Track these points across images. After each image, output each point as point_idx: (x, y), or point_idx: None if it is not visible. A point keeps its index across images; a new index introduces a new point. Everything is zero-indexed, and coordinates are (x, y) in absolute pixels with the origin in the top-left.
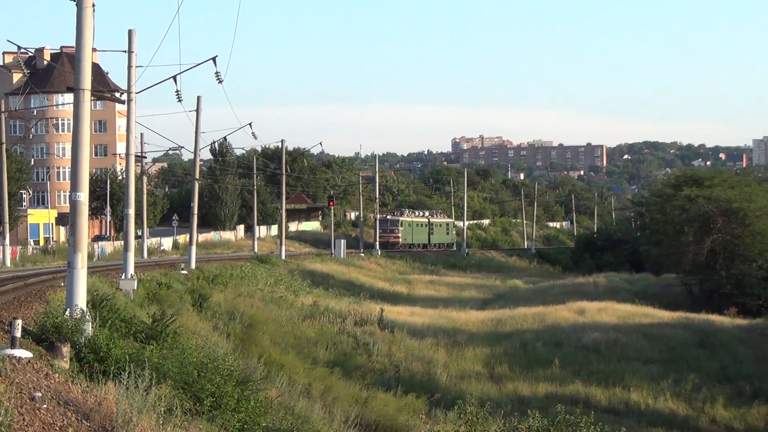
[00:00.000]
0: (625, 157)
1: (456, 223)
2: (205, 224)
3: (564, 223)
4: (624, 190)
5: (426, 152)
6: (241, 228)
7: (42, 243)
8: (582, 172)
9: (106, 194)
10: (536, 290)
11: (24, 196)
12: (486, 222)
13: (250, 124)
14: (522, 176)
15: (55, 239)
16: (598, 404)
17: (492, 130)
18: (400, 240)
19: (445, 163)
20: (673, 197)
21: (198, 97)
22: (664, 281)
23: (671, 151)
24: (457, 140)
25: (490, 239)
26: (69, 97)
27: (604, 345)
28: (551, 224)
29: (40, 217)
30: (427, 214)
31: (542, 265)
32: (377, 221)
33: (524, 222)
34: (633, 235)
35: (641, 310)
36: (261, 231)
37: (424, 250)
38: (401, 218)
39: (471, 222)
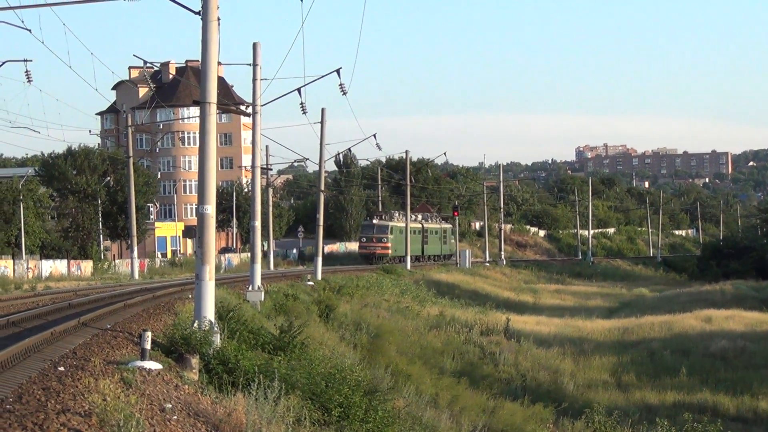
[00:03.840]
0: (751, 164)
1: (447, 227)
2: (331, 235)
3: (689, 231)
4: (750, 197)
5: (550, 161)
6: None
7: (169, 255)
8: (707, 180)
9: (233, 206)
10: (662, 298)
11: (151, 209)
12: (611, 230)
13: (374, 135)
14: (647, 184)
15: (182, 252)
16: (726, 412)
17: (616, 138)
18: (390, 251)
19: (569, 171)
20: None
21: (322, 109)
22: None
23: None
24: (581, 149)
25: (616, 248)
26: (195, 111)
27: (731, 353)
28: (677, 232)
29: (167, 229)
30: (420, 217)
31: (668, 273)
32: (362, 226)
33: (649, 230)
34: (760, 242)
35: None
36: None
37: (435, 261)
38: (391, 223)
39: (596, 231)
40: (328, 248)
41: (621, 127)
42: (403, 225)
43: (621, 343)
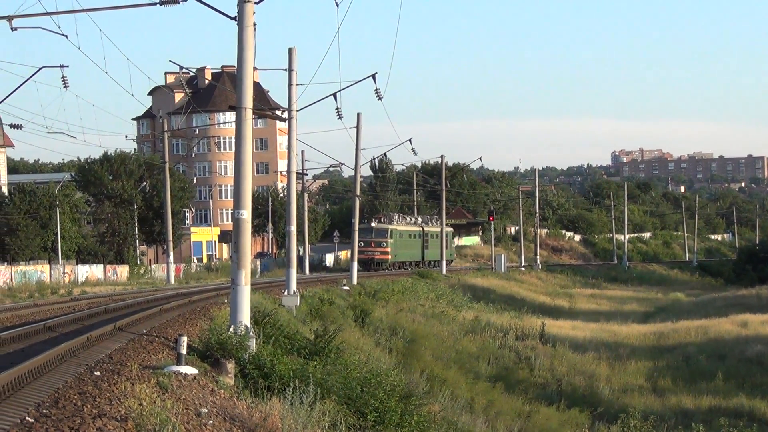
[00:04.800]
0: None
1: (449, 231)
2: None
3: (725, 236)
4: None
5: (585, 166)
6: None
7: (205, 260)
8: (743, 184)
9: (268, 211)
10: (698, 303)
11: (187, 214)
12: (647, 235)
13: (409, 140)
14: (682, 189)
15: (217, 256)
16: (762, 417)
17: (652, 143)
18: (389, 257)
19: (604, 176)
20: None
21: (358, 114)
22: None
23: None
24: (617, 153)
25: (651, 252)
26: (230, 116)
27: None
28: (712, 237)
29: (202, 234)
30: (419, 220)
31: (704, 277)
32: (355, 231)
33: (685, 235)
34: None
35: None
36: None
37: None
38: (390, 227)
39: (632, 235)
40: None
41: (657, 131)
42: (404, 228)
43: (657, 347)
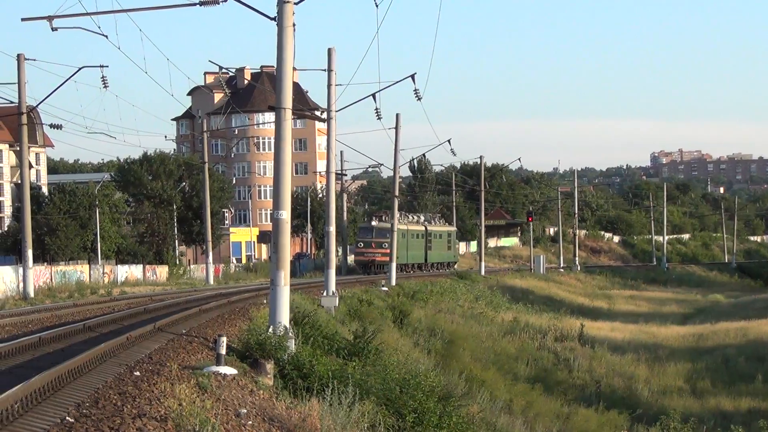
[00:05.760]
0: None
1: (452, 230)
2: None
3: (765, 237)
4: None
5: (624, 167)
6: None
7: (244, 261)
8: None
9: (307, 212)
10: (738, 305)
11: (226, 214)
12: (686, 236)
13: (448, 141)
14: (722, 190)
15: (256, 257)
16: None
17: (691, 144)
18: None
19: (643, 177)
20: None
21: (397, 115)
22: None
23: None
24: (656, 154)
25: (690, 254)
26: (269, 116)
27: None
28: (752, 238)
29: (241, 235)
30: (422, 219)
31: (743, 279)
32: (359, 229)
33: (724, 236)
34: None
35: None
36: (460, 247)
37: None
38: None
39: (671, 236)
40: None
41: (696, 132)
42: (408, 227)
43: (696, 349)
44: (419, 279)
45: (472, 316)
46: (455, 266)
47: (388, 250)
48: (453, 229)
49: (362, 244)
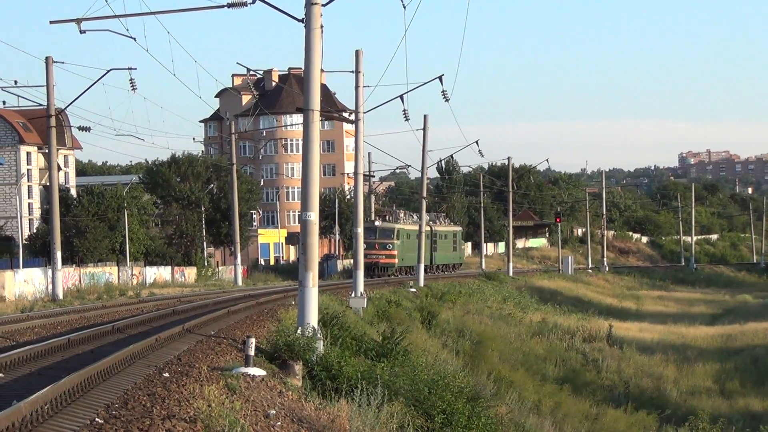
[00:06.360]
0: None
1: (458, 230)
2: None
3: None
4: None
5: (652, 167)
6: (468, 245)
7: (272, 262)
8: None
9: (335, 213)
10: (766, 305)
11: (254, 216)
12: (714, 237)
13: (476, 142)
14: (750, 190)
15: (284, 258)
16: None
17: (719, 144)
18: (396, 261)
19: (671, 178)
20: None
21: (425, 116)
22: None
23: None
24: (684, 155)
25: (719, 254)
26: (297, 118)
27: None
28: None
29: (270, 236)
30: (427, 218)
31: None
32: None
33: (753, 236)
34: None
35: None
36: (488, 248)
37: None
38: (397, 226)
39: (699, 237)
40: None
41: (724, 132)
42: (413, 228)
43: (724, 349)
44: (448, 280)
45: (501, 317)
46: (460, 267)
47: (394, 252)
48: (458, 228)
49: (367, 247)
